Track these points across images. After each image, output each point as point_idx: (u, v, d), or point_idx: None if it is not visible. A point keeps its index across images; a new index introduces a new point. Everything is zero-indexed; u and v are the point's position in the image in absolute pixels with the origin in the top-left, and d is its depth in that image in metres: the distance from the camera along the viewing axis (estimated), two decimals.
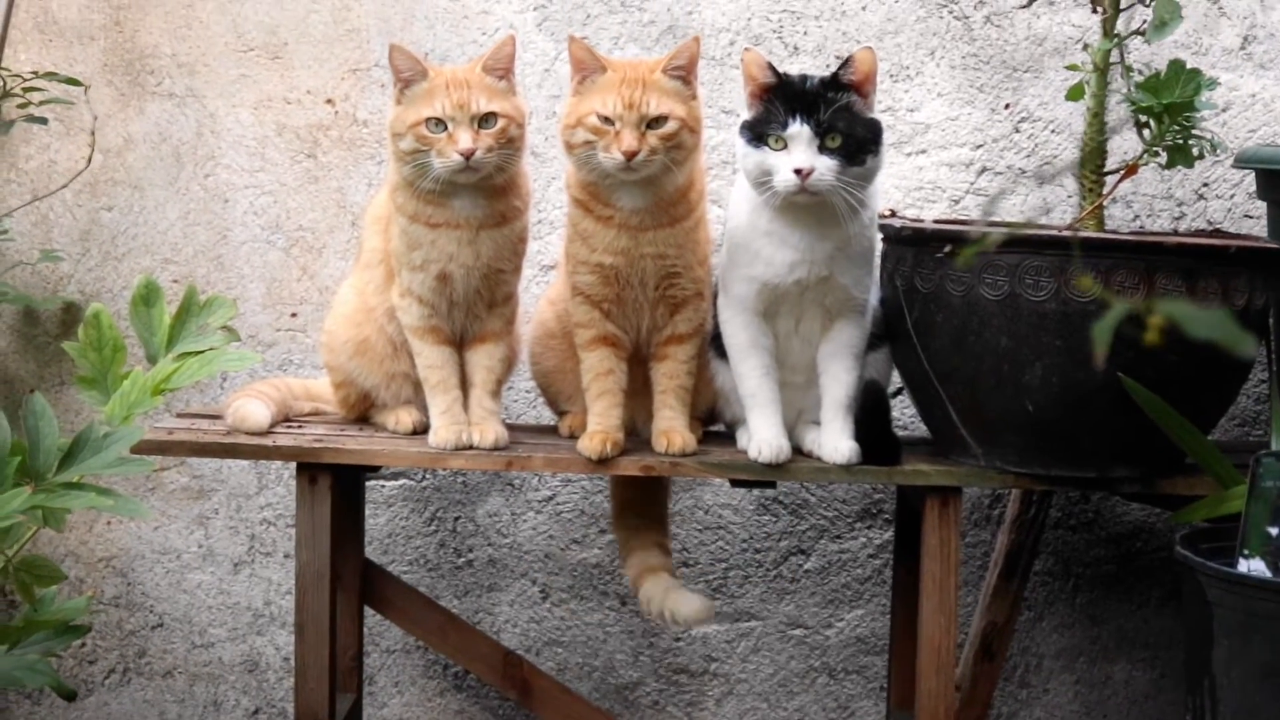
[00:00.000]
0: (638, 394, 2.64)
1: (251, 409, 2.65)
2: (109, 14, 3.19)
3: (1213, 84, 2.53)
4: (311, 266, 3.20)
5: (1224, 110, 3.10)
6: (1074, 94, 2.64)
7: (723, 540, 3.22)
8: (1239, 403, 3.07)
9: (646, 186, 2.47)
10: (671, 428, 2.59)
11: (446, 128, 2.47)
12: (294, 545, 2.70)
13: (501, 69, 2.54)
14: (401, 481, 3.23)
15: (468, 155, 2.46)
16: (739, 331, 2.55)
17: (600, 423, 2.56)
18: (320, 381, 2.91)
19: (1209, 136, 2.56)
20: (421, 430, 2.68)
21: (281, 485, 3.22)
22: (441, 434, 2.59)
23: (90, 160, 3.17)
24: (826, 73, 2.47)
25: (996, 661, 2.95)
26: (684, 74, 2.46)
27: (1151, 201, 3.14)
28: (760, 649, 3.25)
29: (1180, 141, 2.55)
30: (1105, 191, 2.61)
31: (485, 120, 2.49)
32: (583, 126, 2.43)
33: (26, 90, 3.06)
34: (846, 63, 2.43)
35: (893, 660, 2.97)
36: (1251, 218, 3.12)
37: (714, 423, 2.77)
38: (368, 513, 3.12)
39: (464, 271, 2.58)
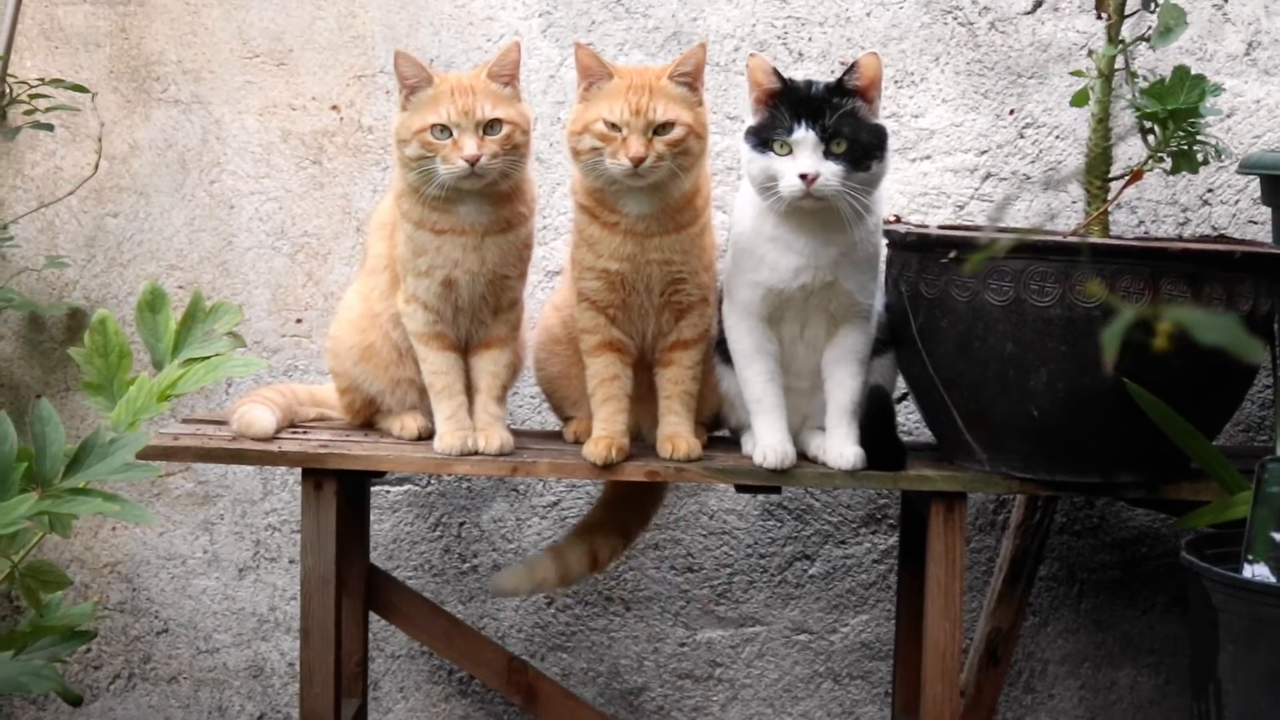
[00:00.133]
0: (643, 399, 2.64)
1: (257, 414, 2.66)
2: (115, 21, 3.19)
3: (1217, 90, 2.53)
4: (317, 272, 3.20)
5: (1228, 116, 3.10)
6: (1079, 100, 2.65)
7: (727, 545, 3.22)
8: (1244, 408, 3.07)
9: (653, 192, 2.47)
10: (676, 433, 2.59)
11: (452, 134, 2.48)
12: (299, 551, 2.70)
13: (507, 75, 2.54)
14: (406, 487, 3.23)
15: (473, 161, 2.46)
16: (744, 337, 2.55)
17: (605, 428, 2.57)
18: (325, 387, 2.91)
19: (1214, 142, 2.57)
20: (427, 436, 2.68)
21: (286, 491, 3.22)
22: (447, 439, 2.59)
23: (97, 167, 3.17)
24: (832, 78, 2.47)
25: (1001, 667, 2.95)
26: (690, 80, 2.47)
27: (1156, 207, 3.14)
28: (765, 654, 3.25)
29: (1185, 147, 2.55)
30: (1110, 197, 2.61)
31: (490, 127, 2.49)
32: (589, 133, 2.44)
33: (33, 97, 3.07)
34: (852, 68, 2.43)
35: (897, 665, 2.97)
36: (1256, 223, 3.12)
37: (719, 428, 2.77)
38: (373, 518, 3.12)
39: (469, 277, 2.58)
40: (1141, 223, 3.14)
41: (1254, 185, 3.09)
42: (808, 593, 3.23)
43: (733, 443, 2.71)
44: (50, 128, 3.10)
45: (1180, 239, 2.93)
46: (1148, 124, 2.55)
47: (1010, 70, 3.14)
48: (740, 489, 2.84)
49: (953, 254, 2.43)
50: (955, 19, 3.13)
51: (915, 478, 2.55)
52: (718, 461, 2.59)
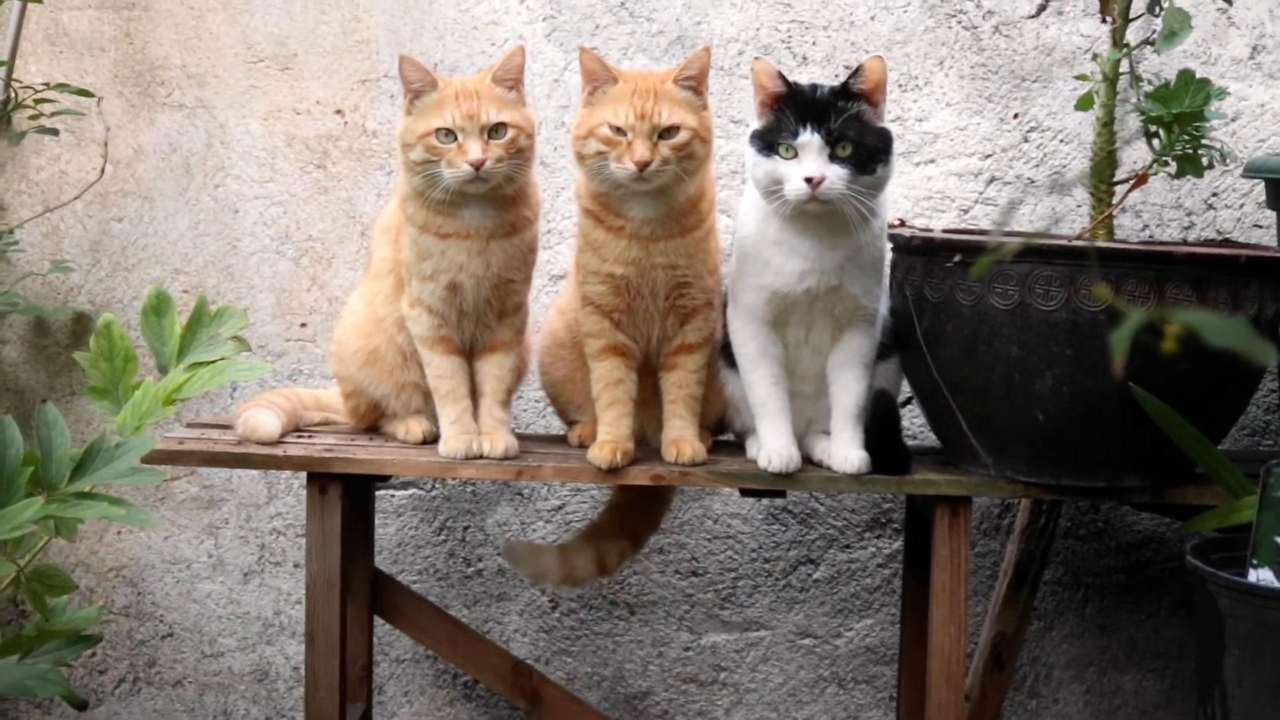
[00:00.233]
0: (647, 403, 2.64)
1: (262, 419, 2.66)
2: (119, 26, 3.20)
3: (1222, 94, 2.53)
4: (321, 277, 3.21)
5: (1233, 120, 3.10)
6: (1083, 104, 2.64)
7: (732, 550, 3.22)
8: (1249, 412, 3.07)
9: (658, 197, 2.47)
10: (681, 437, 2.59)
11: (456, 138, 2.48)
12: (304, 555, 2.70)
13: (511, 79, 2.54)
14: (411, 491, 3.23)
15: (477, 165, 2.46)
16: (748, 341, 2.55)
17: (610, 432, 2.57)
18: (330, 391, 2.91)
19: (1218, 146, 2.56)
20: (431, 440, 2.68)
21: (291, 495, 3.22)
22: (451, 443, 2.59)
23: (103, 172, 3.18)
24: (836, 82, 2.47)
25: (1006, 671, 2.94)
26: (695, 84, 2.47)
27: (1161, 211, 3.14)
28: (769, 658, 3.25)
29: (1190, 151, 2.54)
30: (1115, 201, 2.61)
31: (495, 131, 2.49)
32: (594, 137, 2.44)
33: (38, 102, 3.07)
34: (857, 72, 2.43)
35: (902, 670, 2.97)
36: (1261, 227, 3.12)
37: (723, 432, 2.77)
38: (377, 522, 3.12)
39: (474, 281, 2.58)
40: (1146, 227, 3.14)
41: (1259, 189, 3.09)
42: (812, 597, 3.23)
43: (737, 447, 2.71)
44: (55, 132, 3.10)
45: (1185, 243, 2.93)
46: (1152, 128, 2.55)
47: (1014, 74, 3.14)
48: (745, 493, 2.84)
49: (957, 258, 2.43)
50: (959, 23, 3.14)
51: (920, 482, 2.55)
52: (722, 465, 2.59)
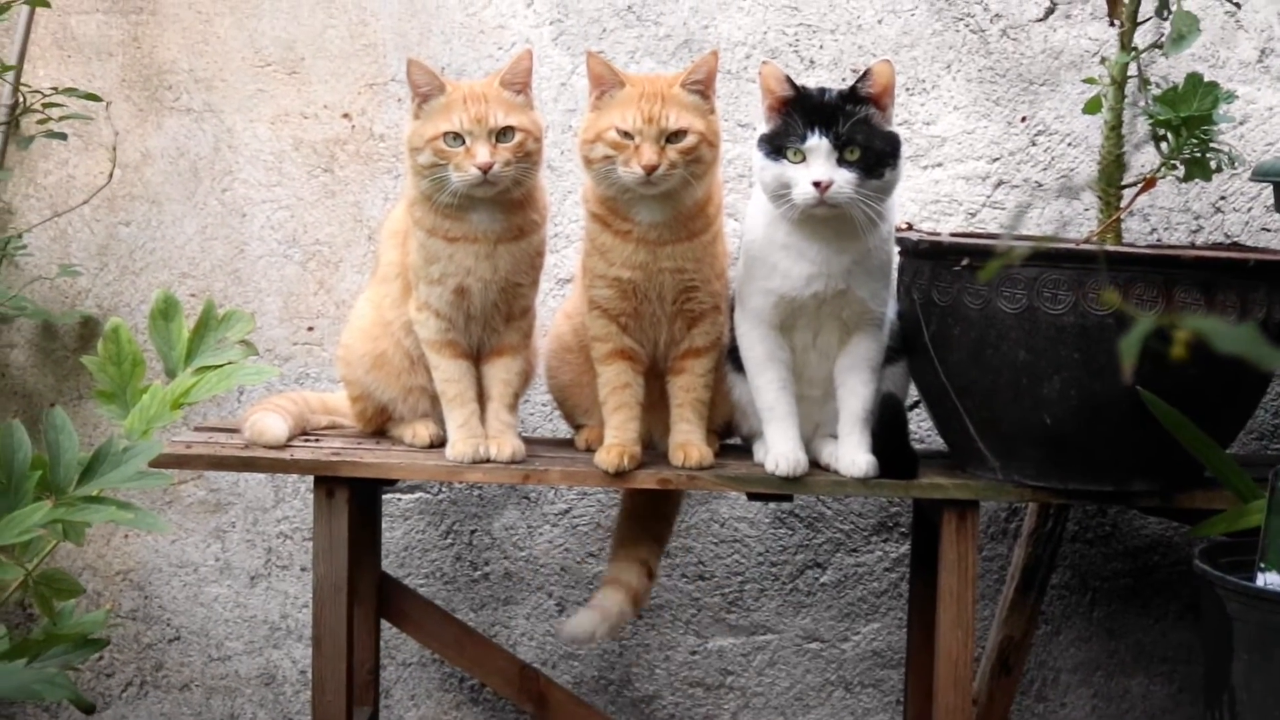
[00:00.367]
0: (654, 407, 2.64)
1: (269, 422, 2.66)
2: (127, 30, 3.20)
3: (1230, 97, 2.52)
4: (328, 280, 3.21)
5: (1241, 123, 3.10)
6: (1091, 107, 2.64)
7: (739, 553, 3.22)
8: (1257, 416, 3.06)
9: (665, 201, 2.47)
10: (688, 441, 2.59)
11: (464, 142, 2.48)
12: (311, 558, 2.70)
13: (519, 83, 2.54)
14: (418, 495, 3.23)
15: (485, 169, 2.46)
16: (756, 345, 2.55)
17: (617, 436, 2.57)
18: (337, 395, 2.91)
19: (1226, 149, 2.56)
20: (438, 444, 2.68)
21: (298, 498, 3.22)
22: (458, 447, 2.59)
23: (111, 176, 3.18)
24: (844, 86, 2.47)
25: (1013, 675, 2.94)
26: (702, 88, 2.47)
27: (1169, 214, 3.14)
28: (776, 662, 3.24)
29: (1198, 154, 2.54)
30: (1123, 205, 2.60)
31: (503, 134, 2.49)
32: (602, 141, 2.44)
33: (46, 106, 3.07)
34: (864, 75, 2.43)
35: (909, 674, 2.97)
36: (1269, 231, 3.12)
37: (730, 436, 2.77)
38: (384, 526, 3.12)
39: (481, 285, 2.58)
40: (1154, 230, 3.14)
41: (1267, 193, 3.08)
42: (819, 601, 3.23)
43: (745, 451, 2.71)
44: (63, 137, 3.10)
45: (1193, 246, 2.93)
46: (1160, 131, 2.55)
47: (1022, 77, 3.14)
48: (752, 497, 2.83)
49: (965, 261, 2.43)
50: (967, 26, 3.13)
51: (928, 486, 2.54)
52: (730, 469, 2.59)
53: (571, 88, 3.14)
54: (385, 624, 3.01)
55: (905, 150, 2.51)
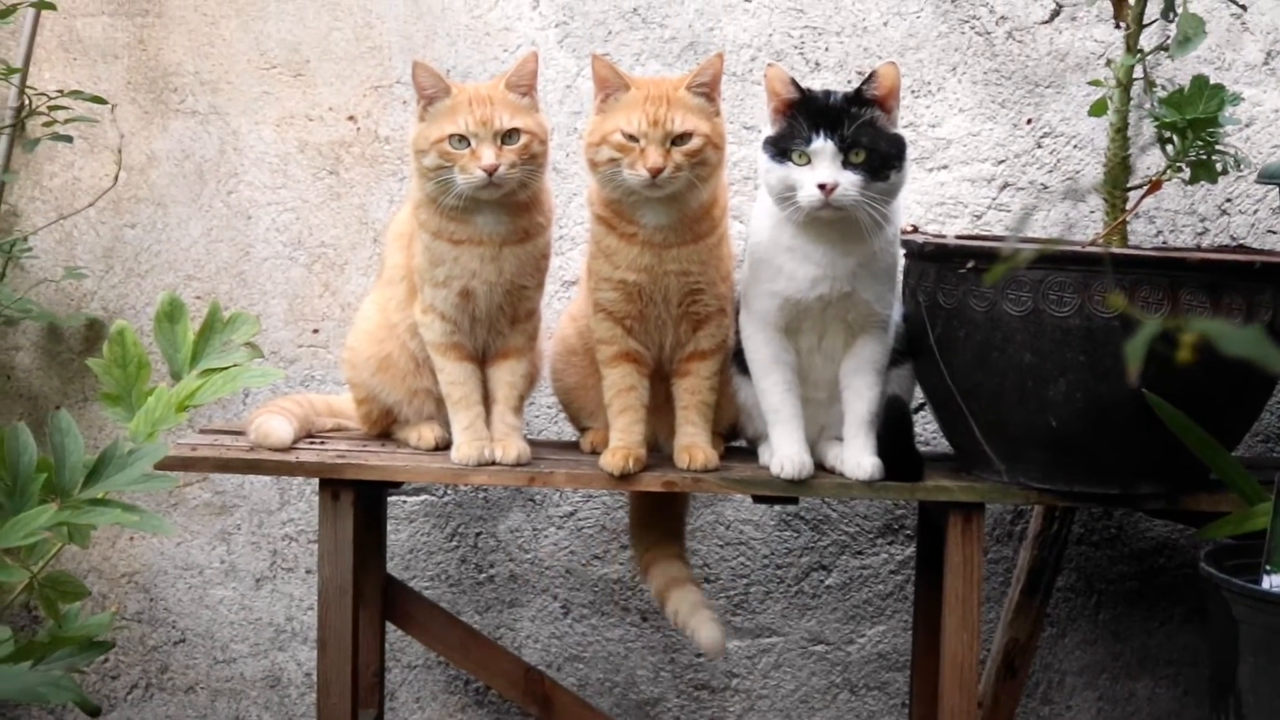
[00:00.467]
0: (660, 410, 2.64)
1: (274, 425, 2.66)
2: (133, 32, 3.20)
3: (1236, 99, 2.52)
4: (334, 283, 3.21)
5: (1247, 126, 3.10)
6: (1097, 109, 2.64)
7: (744, 556, 3.22)
8: (1263, 419, 3.06)
9: (670, 203, 2.47)
10: (693, 444, 2.58)
11: (470, 144, 2.48)
12: (316, 561, 2.70)
13: (524, 85, 2.54)
14: (423, 497, 3.23)
15: (491, 171, 2.46)
16: (761, 347, 2.55)
17: (622, 439, 2.56)
18: (342, 397, 2.92)
19: (1232, 152, 2.56)
20: (444, 446, 2.68)
21: (303, 501, 3.22)
22: (464, 450, 2.59)
23: (116, 178, 3.18)
24: (850, 88, 2.47)
25: (1019, 678, 2.93)
26: (708, 91, 2.47)
27: (1174, 217, 3.14)
28: (781, 665, 3.24)
29: (1204, 157, 2.54)
30: (1129, 207, 2.60)
31: (509, 136, 2.49)
32: (607, 144, 2.44)
33: (51, 108, 3.08)
34: (870, 78, 2.43)
35: (914, 677, 2.96)
36: (1275, 233, 3.12)
37: (736, 438, 2.77)
38: (389, 528, 3.12)
39: (486, 288, 2.58)
40: (1160, 233, 3.14)
41: (1272, 195, 3.08)
42: (824, 603, 3.23)
43: (750, 453, 2.70)
44: (69, 139, 3.11)
45: (1199, 249, 2.93)
46: (1166, 133, 2.55)
47: (1028, 80, 3.13)
48: (757, 499, 2.83)
49: (971, 264, 2.43)
50: (972, 28, 3.13)
51: (933, 488, 2.54)
52: (735, 472, 2.58)
53: (577, 90, 3.14)
54: (390, 626, 3.01)
55: (910, 152, 2.51)
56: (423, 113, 2.53)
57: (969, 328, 2.46)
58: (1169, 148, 2.56)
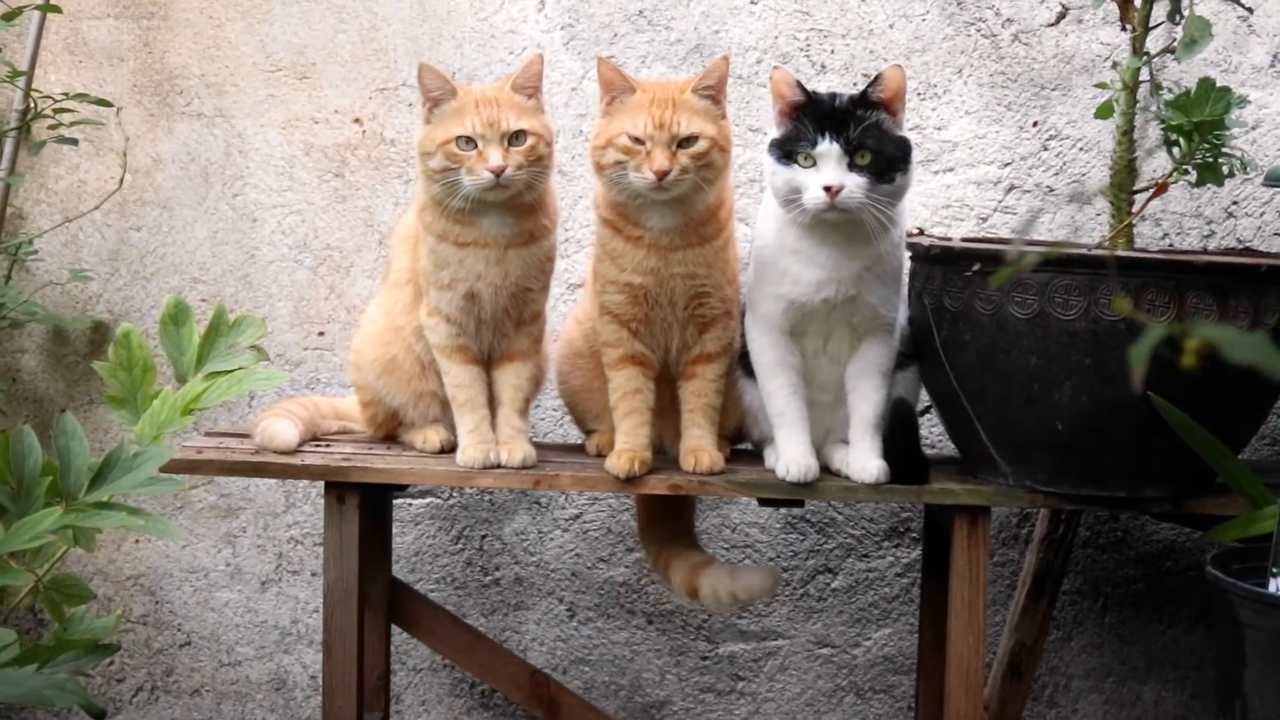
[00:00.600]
0: (665, 413, 2.64)
1: (280, 428, 2.66)
2: (138, 35, 3.21)
3: (1242, 102, 2.52)
4: (339, 285, 3.21)
5: (1254, 128, 3.09)
6: (1103, 112, 2.63)
7: (750, 558, 3.22)
8: (1270, 422, 3.05)
9: (676, 206, 2.47)
10: (699, 446, 2.58)
11: (476, 146, 2.48)
12: (321, 563, 2.70)
13: (530, 87, 2.54)
14: (429, 500, 3.23)
15: (498, 173, 2.46)
16: (766, 350, 2.55)
17: (628, 441, 2.56)
18: (348, 400, 2.91)
19: (1239, 154, 2.55)
20: (449, 449, 2.68)
21: (309, 504, 3.22)
22: (469, 452, 2.59)
23: (122, 181, 3.18)
24: (855, 90, 2.47)
25: (1025, 681, 2.93)
26: (714, 93, 2.46)
27: (1181, 220, 3.13)
28: (787, 668, 3.24)
29: (1210, 159, 2.54)
30: (1135, 210, 2.60)
31: (515, 138, 2.49)
32: (613, 147, 2.43)
33: (57, 111, 3.08)
34: (876, 80, 2.42)
35: (920, 680, 2.96)
36: None
37: (741, 441, 2.77)
38: (395, 531, 3.12)
39: (492, 290, 2.58)
40: (1166, 235, 3.13)
41: (1279, 198, 3.07)
42: (830, 606, 3.23)
43: (755, 456, 2.70)
44: (75, 142, 3.11)
45: (1206, 252, 2.92)
46: (1172, 136, 2.54)
47: (1034, 82, 3.13)
48: (763, 502, 2.83)
49: (976, 267, 2.43)
50: (978, 31, 3.13)
51: (939, 491, 2.54)
52: (740, 475, 2.58)
53: (582, 93, 3.14)
54: (396, 629, 3.01)
55: (916, 155, 2.51)
56: (429, 115, 2.53)
57: (975, 330, 2.45)
58: (1175, 150, 2.56)
